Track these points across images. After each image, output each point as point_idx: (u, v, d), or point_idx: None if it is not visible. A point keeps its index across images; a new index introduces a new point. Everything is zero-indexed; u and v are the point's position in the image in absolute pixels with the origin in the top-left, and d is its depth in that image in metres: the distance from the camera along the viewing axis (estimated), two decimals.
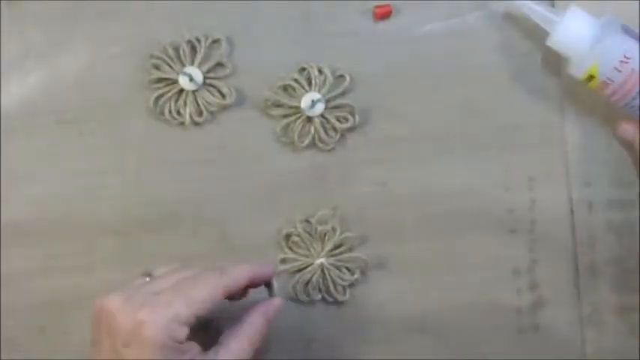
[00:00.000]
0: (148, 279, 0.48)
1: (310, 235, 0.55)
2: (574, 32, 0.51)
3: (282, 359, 0.54)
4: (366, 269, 0.55)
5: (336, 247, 0.55)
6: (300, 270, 0.55)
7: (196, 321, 0.45)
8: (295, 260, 0.55)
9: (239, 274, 0.47)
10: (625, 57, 0.50)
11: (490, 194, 0.56)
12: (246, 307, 0.48)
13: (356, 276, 0.55)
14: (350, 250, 0.55)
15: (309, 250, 0.55)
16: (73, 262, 0.56)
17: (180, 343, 0.44)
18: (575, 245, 0.55)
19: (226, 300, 0.47)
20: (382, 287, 0.55)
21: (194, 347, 0.45)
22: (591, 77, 0.51)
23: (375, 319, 0.55)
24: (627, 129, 0.51)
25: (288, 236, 0.55)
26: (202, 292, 0.45)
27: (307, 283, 0.55)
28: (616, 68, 0.50)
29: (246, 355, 0.46)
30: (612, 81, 0.50)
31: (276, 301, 0.49)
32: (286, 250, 0.55)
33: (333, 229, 0.55)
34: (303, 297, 0.55)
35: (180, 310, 0.44)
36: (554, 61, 0.55)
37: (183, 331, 0.44)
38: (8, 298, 0.56)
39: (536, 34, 0.55)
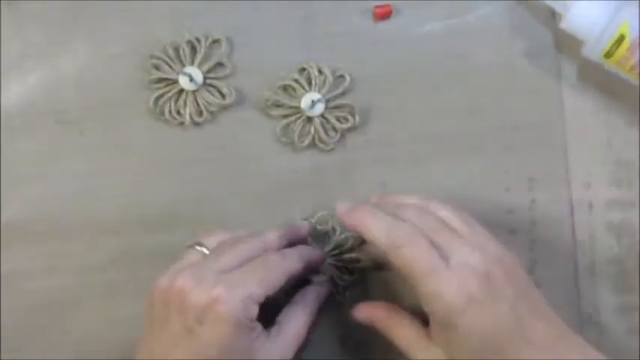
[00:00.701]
0: (201, 249, 0.49)
1: (310, 235, 0.55)
2: (593, 6, 0.51)
3: None
4: (366, 270, 0.55)
5: (336, 247, 0.55)
6: None
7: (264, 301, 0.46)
8: None
9: (299, 258, 0.49)
10: None
11: (490, 194, 0.56)
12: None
13: (356, 276, 0.55)
14: (350, 250, 0.55)
15: None
16: (73, 262, 0.56)
17: (252, 321, 0.45)
18: (575, 245, 0.55)
19: None
20: (382, 287, 0.55)
21: (259, 326, 0.46)
22: (621, 39, 0.49)
23: None
24: (361, 310, 0.51)
25: None
26: (270, 273, 0.46)
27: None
28: None
29: (303, 334, 0.48)
30: None
31: (328, 285, 0.52)
32: None
33: (333, 230, 0.55)
34: None
35: (253, 289, 0.45)
36: (555, 61, 0.55)
37: (256, 310, 0.45)
38: (8, 298, 0.56)
39: (536, 34, 0.55)
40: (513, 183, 0.56)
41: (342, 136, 0.56)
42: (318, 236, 0.55)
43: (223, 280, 0.45)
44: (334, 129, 0.55)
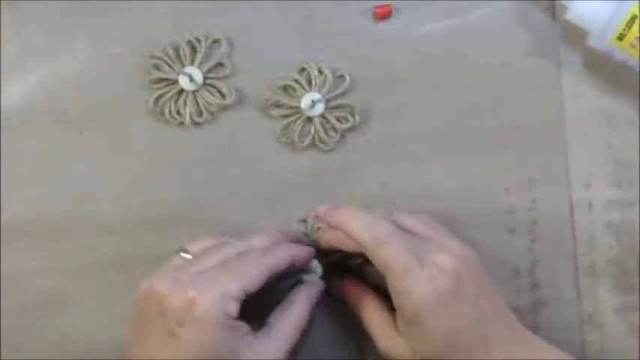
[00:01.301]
0: (185, 255, 0.48)
1: (307, 235, 0.55)
2: None
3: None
4: (361, 265, 0.55)
5: None
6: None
7: (245, 298, 0.45)
8: None
9: (282, 253, 0.49)
10: None
11: (490, 194, 0.56)
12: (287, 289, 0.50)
13: (353, 273, 0.55)
14: None
15: None
16: (73, 262, 0.56)
17: (233, 318, 0.44)
18: (575, 245, 0.55)
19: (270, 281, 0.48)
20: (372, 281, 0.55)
21: (245, 326, 0.45)
22: (633, 19, 0.50)
23: None
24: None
25: None
26: (248, 269, 0.46)
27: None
28: None
29: (295, 335, 0.47)
30: None
31: (320, 284, 0.51)
32: None
33: None
34: None
35: (228, 286, 0.45)
36: (555, 61, 0.55)
37: (234, 307, 0.45)
38: (8, 298, 0.56)
39: (536, 34, 0.55)
40: (513, 183, 0.56)
41: (342, 136, 0.56)
42: (314, 234, 0.55)
43: (198, 281, 0.45)
44: (334, 129, 0.55)
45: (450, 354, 0.46)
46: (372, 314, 0.50)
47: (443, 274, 0.46)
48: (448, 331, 0.46)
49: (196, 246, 0.49)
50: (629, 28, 0.50)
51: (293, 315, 0.48)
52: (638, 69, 0.52)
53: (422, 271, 0.46)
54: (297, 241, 0.53)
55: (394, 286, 0.46)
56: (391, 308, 0.49)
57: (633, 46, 0.51)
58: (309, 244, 0.54)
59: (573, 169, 0.56)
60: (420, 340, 0.46)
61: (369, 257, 0.47)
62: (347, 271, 0.54)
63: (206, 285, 0.44)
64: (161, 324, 0.45)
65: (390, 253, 0.46)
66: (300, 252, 0.50)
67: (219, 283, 0.45)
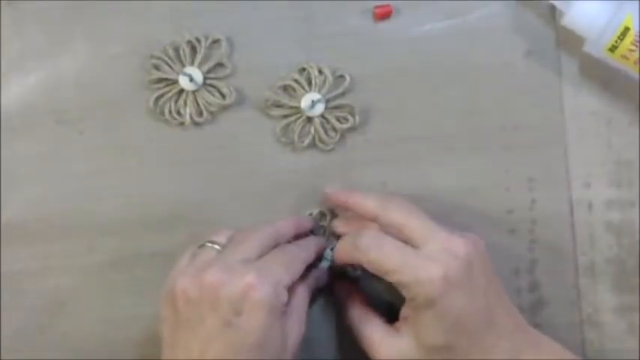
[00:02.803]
0: (214, 246, 0.49)
1: (314, 229, 0.55)
2: (594, 2, 0.51)
3: None
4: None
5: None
6: None
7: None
8: None
9: (312, 247, 0.51)
10: None
11: (490, 194, 0.56)
12: None
13: (358, 272, 0.55)
14: None
15: None
16: (73, 262, 0.56)
17: (284, 305, 0.46)
18: (575, 245, 0.55)
19: None
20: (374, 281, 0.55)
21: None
22: (625, 31, 0.49)
23: None
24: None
25: None
26: (292, 262, 0.48)
27: None
28: None
29: (307, 309, 0.49)
30: None
31: (325, 273, 0.53)
32: None
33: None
34: None
35: (281, 275, 0.46)
36: (555, 61, 0.55)
37: (286, 295, 0.46)
38: (8, 298, 0.56)
39: (536, 34, 0.55)
40: (513, 183, 0.56)
41: (342, 136, 0.56)
42: (319, 231, 0.55)
43: (252, 268, 0.45)
44: (334, 129, 0.55)
45: (458, 340, 0.46)
46: (372, 329, 0.50)
47: (456, 258, 0.46)
48: (459, 315, 0.46)
49: (221, 237, 0.50)
50: (621, 40, 0.50)
51: (304, 290, 0.49)
52: (633, 76, 0.52)
53: (418, 258, 0.46)
54: (313, 228, 0.54)
55: (399, 282, 0.46)
56: (389, 321, 0.50)
57: (625, 57, 0.51)
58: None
59: (573, 169, 0.56)
60: (430, 326, 0.46)
61: (367, 268, 0.48)
62: (346, 279, 0.55)
63: (262, 272, 0.45)
64: (214, 316, 0.45)
65: (378, 257, 0.47)
66: (322, 245, 0.52)
67: (273, 272, 0.46)
